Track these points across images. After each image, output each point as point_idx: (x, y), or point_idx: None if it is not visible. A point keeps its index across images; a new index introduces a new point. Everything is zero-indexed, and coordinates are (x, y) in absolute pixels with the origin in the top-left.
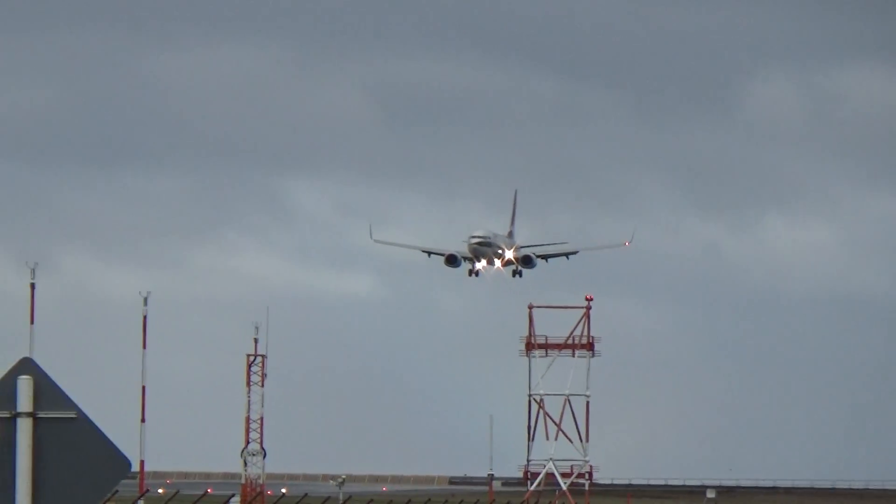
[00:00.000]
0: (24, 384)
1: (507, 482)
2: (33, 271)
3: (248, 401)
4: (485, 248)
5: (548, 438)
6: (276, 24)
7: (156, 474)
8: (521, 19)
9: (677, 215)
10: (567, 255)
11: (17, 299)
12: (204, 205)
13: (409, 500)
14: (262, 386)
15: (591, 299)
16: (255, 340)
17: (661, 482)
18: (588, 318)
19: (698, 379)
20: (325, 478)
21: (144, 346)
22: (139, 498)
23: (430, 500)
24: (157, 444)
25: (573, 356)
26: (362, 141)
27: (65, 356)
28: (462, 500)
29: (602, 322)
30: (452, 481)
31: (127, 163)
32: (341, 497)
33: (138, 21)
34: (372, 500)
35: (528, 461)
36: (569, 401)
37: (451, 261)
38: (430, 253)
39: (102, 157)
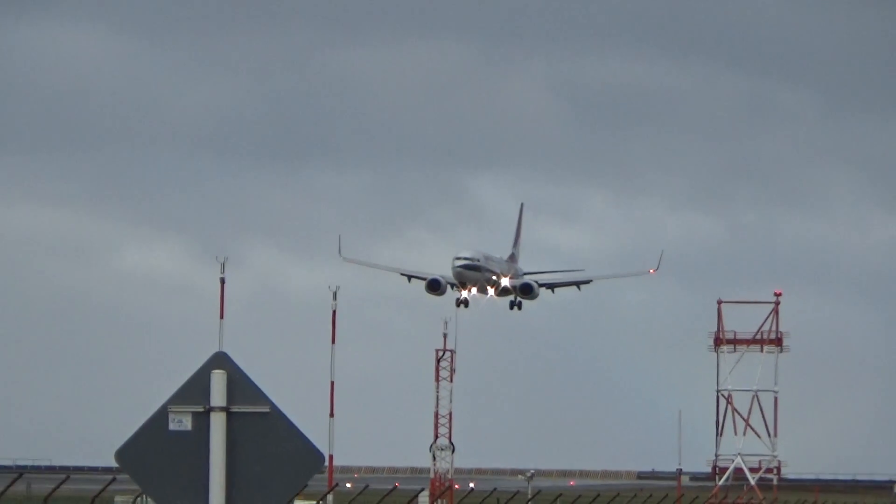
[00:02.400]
0: (218, 379)
1: (695, 477)
2: (223, 266)
3: (437, 396)
4: (472, 274)
5: (736, 433)
6: (462, 21)
7: (343, 469)
8: (708, 18)
9: (864, 210)
10: (578, 284)
11: (207, 294)
12: (389, 201)
13: (598, 495)
14: (451, 381)
15: (780, 294)
16: (444, 336)
17: (849, 477)
18: (777, 313)
19: (886, 374)
20: (514, 472)
21: (333, 341)
22: (328, 493)
23: (618, 494)
24: (345, 439)
25: (761, 351)
26: (547, 138)
27: (253, 351)
28: (650, 495)
29: (790, 317)
30: (640, 476)
31: (314, 159)
32: (530, 492)
33: (326, 19)
34: (561, 495)
35: (717, 456)
36: (757, 396)
37: (434, 287)
38: (410, 277)
39: (290, 154)
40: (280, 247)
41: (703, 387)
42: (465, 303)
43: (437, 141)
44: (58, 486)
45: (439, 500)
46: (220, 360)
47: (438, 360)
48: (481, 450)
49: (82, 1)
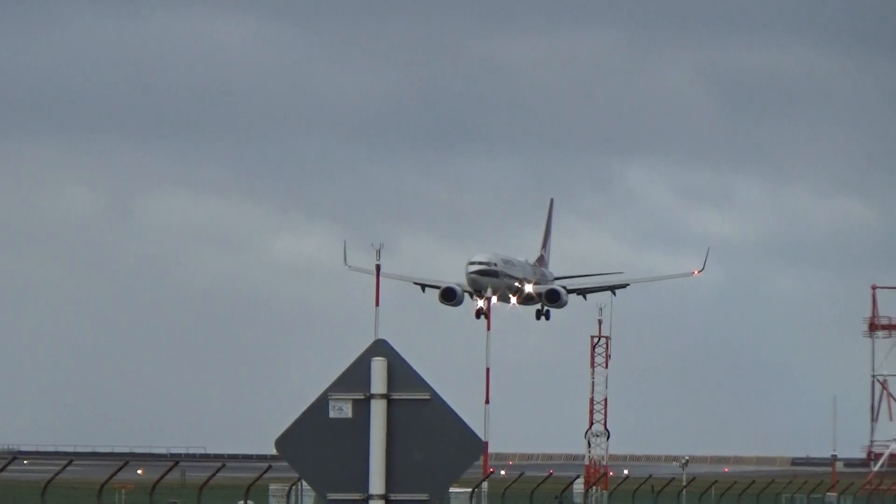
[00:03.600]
0: (378, 366)
1: (849, 463)
2: (378, 252)
3: (593, 382)
4: (489, 280)
5: (891, 419)
6: (612, 9)
7: (499, 456)
8: (856, 4)
9: None
10: (613, 288)
11: (362, 282)
12: (539, 188)
13: (753, 482)
14: (606, 367)
15: None
16: (600, 322)
17: None
18: None
19: None
20: (668, 459)
21: (489, 328)
22: (483, 480)
23: (773, 481)
24: (500, 426)
25: None
26: (696, 125)
27: (408, 337)
28: (805, 482)
29: None
30: (795, 462)
31: (465, 146)
32: (684, 478)
33: (477, 7)
34: (716, 482)
35: (872, 442)
36: None
37: (448, 297)
38: (424, 286)
39: (441, 141)
40: (433, 234)
41: (858, 372)
42: (485, 312)
43: (587, 128)
44: (213, 475)
45: (594, 487)
46: (381, 347)
47: (594, 347)
48: (636, 436)
49: None
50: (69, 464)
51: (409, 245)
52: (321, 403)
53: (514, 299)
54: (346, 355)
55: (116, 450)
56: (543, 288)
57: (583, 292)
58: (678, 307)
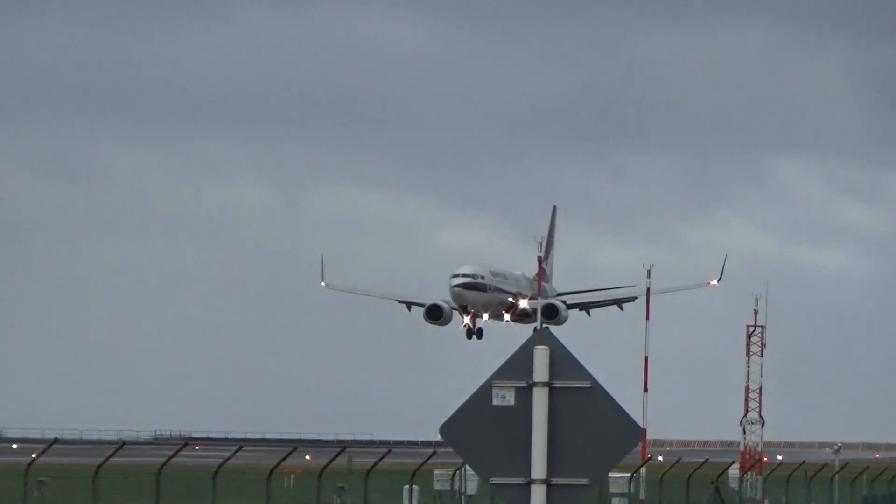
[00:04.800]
0: (541, 354)
1: None
2: (540, 245)
3: (748, 370)
4: (475, 295)
5: None
6: (764, 6)
7: (656, 442)
8: None
9: None
10: (620, 302)
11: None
12: (698, 183)
13: None
14: (762, 356)
15: None
16: (755, 312)
17: None
18: None
19: None
20: (821, 445)
21: (647, 318)
22: (641, 465)
23: None
24: (658, 413)
25: None
26: (848, 121)
27: (567, 326)
28: None
29: None
30: None
31: (623, 141)
32: (837, 464)
33: (636, 5)
34: (867, 468)
35: None
36: None
37: (434, 315)
38: (409, 304)
39: (600, 136)
40: (591, 226)
41: None
42: (478, 333)
43: (740, 124)
44: (379, 460)
45: (749, 473)
46: (543, 336)
47: (749, 336)
48: (790, 423)
49: None
50: (239, 449)
51: (570, 236)
52: (485, 391)
53: (507, 316)
54: (508, 345)
55: (285, 436)
56: (539, 303)
57: (586, 307)
58: (830, 298)
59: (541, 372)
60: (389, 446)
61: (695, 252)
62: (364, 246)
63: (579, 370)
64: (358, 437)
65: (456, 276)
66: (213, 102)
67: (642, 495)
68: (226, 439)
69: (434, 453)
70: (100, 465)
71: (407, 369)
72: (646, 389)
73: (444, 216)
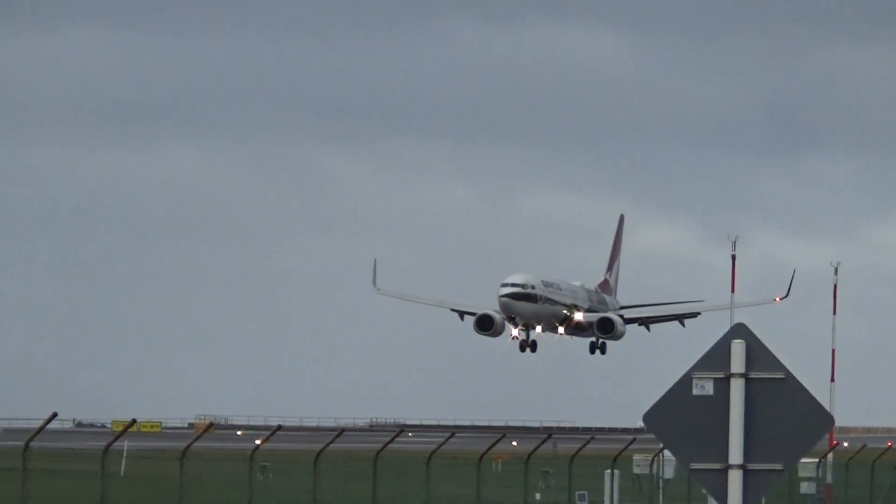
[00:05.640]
0: (738, 347)
1: None
2: (734, 244)
3: None
4: (524, 305)
5: None
6: None
7: (842, 429)
8: None
9: None
10: (681, 318)
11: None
12: (881, 185)
13: None
14: None
15: None
16: None
17: None
18: None
19: None
20: None
21: (834, 312)
22: (829, 451)
23: None
24: (844, 402)
25: None
26: None
27: (759, 321)
28: None
29: None
30: None
31: (806, 147)
32: None
33: (817, 20)
34: None
35: None
36: None
37: (484, 326)
38: (461, 313)
39: (786, 143)
40: (781, 227)
41: None
42: (532, 345)
43: None
44: (583, 446)
45: None
46: (740, 330)
47: None
48: None
49: (589, 5)
50: (451, 436)
51: (761, 237)
52: (685, 382)
53: (562, 329)
54: (704, 340)
55: (493, 423)
56: (595, 316)
57: (645, 322)
58: None
59: (738, 364)
60: (592, 433)
61: (884, 250)
62: (565, 245)
63: (774, 362)
64: (562, 424)
65: (504, 285)
66: (428, 111)
67: (829, 479)
68: (438, 426)
69: (634, 440)
70: (320, 451)
71: (602, 363)
72: (833, 380)
73: (642, 217)
